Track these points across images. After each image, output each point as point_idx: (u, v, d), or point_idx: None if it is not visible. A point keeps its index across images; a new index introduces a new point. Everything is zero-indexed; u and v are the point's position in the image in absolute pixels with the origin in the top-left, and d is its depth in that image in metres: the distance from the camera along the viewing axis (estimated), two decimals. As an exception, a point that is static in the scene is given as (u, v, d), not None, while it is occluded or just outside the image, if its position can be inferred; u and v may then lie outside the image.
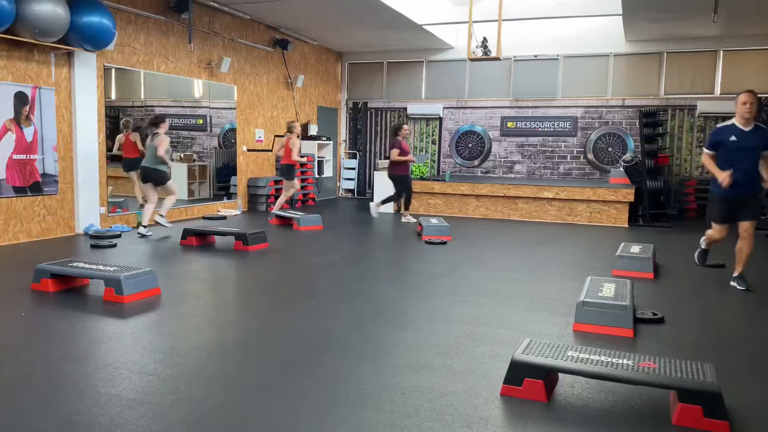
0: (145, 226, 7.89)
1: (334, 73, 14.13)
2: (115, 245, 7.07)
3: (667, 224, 9.96)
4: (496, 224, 9.98)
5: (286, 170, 9.98)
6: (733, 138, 5.29)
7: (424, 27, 11.23)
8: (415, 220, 9.50)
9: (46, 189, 7.50)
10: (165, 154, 7.68)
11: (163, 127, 7.86)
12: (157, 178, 7.85)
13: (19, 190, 7.19)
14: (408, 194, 9.98)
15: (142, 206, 8.55)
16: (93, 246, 7.03)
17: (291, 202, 11.87)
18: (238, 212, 10.66)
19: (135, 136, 8.95)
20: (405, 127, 9.73)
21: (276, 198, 10.82)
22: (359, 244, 8.17)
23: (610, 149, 12.46)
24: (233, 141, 10.83)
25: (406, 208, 10.06)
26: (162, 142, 7.70)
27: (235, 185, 10.94)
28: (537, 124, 12.96)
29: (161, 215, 7.98)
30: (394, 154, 9.59)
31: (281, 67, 11.98)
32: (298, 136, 9.97)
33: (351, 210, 11.90)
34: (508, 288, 5.51)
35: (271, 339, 3.99)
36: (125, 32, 8.39)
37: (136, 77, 9.01)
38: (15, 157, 7.12)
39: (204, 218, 9.83)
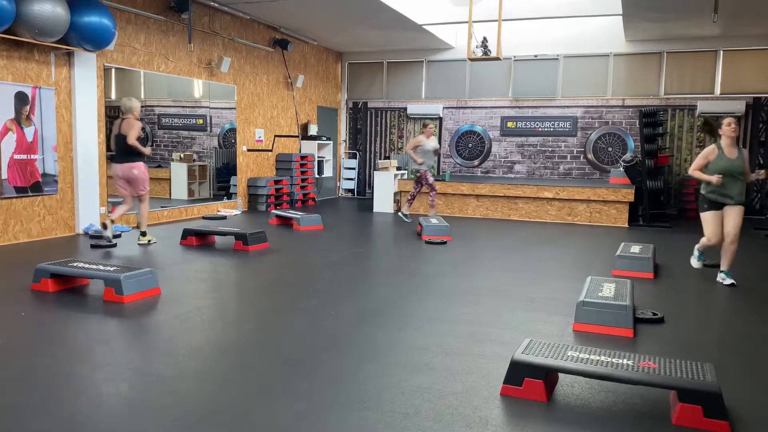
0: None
1: (334, 73, 14.12)
2: (115, 245, 7.07)
3: (667, 224, 9.96)
4: (496, 224, 9.98)
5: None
6: None
7: (424, 27, 11.23)
8: None
9: (46, 189, 7.50)
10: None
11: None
12: None
13: (21, 190, 7.20)
14: None
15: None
16: (93, 246, 7.03)
17: (291, 202, 11.87)
18: (238, 212, 10.66)
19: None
20: None
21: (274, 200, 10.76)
22: (359, 244, 8.17)
23: (610, 149, 12.46)
24: (233, 141, 10.83)
25: None
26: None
27: (235, 185, 10.94)
28: (537, 124, 12.96)
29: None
30: None
31: (281, 67, 11.97)
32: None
33: (351, 210, 11.89)
34: (508, 288, 5.51)
35: (271, 339, 3.99)
36: (125, 32, 8.39)
37: (136, 77, 9.00)
38: (16, 157, 7.13)
39: (204, 218, 9.83)
